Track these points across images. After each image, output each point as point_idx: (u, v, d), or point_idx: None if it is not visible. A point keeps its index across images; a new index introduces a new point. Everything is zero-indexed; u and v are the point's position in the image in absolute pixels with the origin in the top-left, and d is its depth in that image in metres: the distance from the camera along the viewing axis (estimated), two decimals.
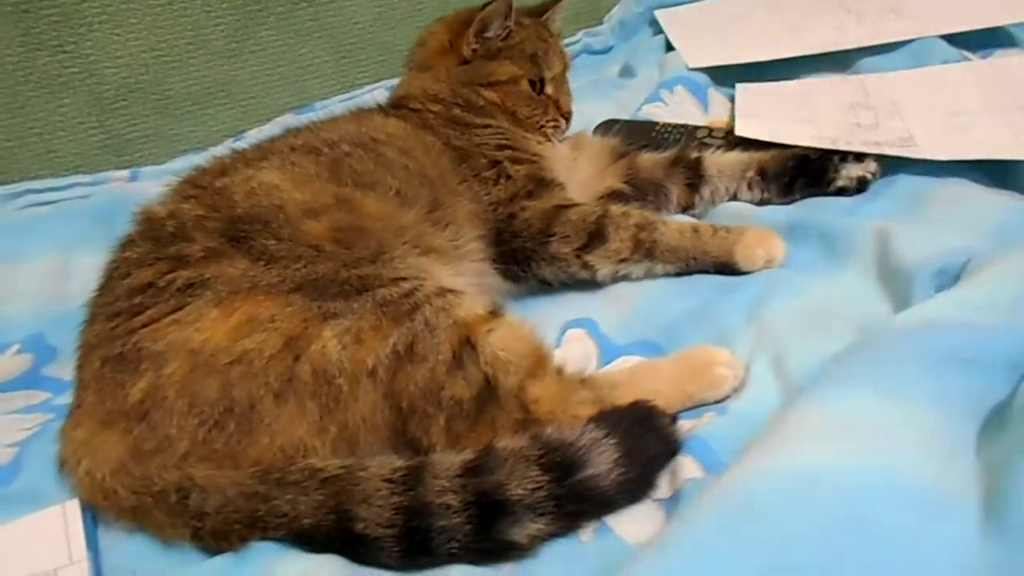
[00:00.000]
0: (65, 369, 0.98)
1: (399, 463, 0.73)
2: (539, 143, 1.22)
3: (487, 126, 1.18)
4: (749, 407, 0.81)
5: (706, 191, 1.22)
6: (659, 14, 1.89)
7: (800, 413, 0.70)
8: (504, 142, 1.16)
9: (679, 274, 1.06)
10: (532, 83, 1.24)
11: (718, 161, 1.23)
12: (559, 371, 0.85)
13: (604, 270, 1.07)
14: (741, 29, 1.76)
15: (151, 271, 0.85)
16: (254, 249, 0.85)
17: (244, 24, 1.64)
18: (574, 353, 0.97)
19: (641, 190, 1.23)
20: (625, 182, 1.23)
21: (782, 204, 1.19)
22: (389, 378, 0.79)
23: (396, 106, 1.24)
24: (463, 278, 0.98)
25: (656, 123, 1.42)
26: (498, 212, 1.10)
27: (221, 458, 0.77)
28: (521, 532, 0.69)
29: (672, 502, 0.73)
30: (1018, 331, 0.73)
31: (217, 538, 0.74)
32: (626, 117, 1.47)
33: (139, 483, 0.76)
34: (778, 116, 1.34)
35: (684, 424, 0.81)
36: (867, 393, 0.70)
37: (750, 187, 1.21)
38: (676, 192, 1.23)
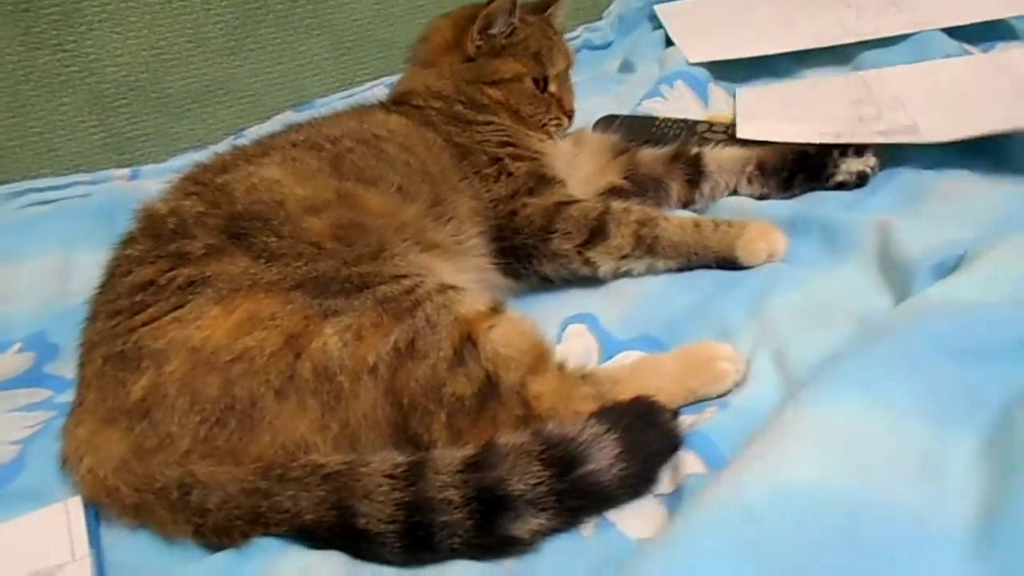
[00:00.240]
0: (67, 367, 0.98)
1: (400, 459, 0.73)
2: (540, 140, 1.22)
3: (489, 123, 1.18)
4: (751, 402, 0.81)
5: (706, 187, 1.22)
6: (659, 9, 1.89)
7: (793, 416, 0.70)
8: (505, 139, 1.16)
9: (680, 269, 1.06)
10: (536, 81, 1.23)
11: (718, 156, 1.24)
12: (560, 367, 0.85)
13: (605, 266, 1.07)
14: (741, 24, 1.75)
15: (152, 269, 0.85)
16: (255, 246, 0.85)
17: (243, 22, 1.64)
18: (575, 349, 0.97)
19: (641, 186, 1.23)
20: (625, 178, 1.23)
21: (782, 199, 1.19)
22: (390, 375, 0.79)
23: (398, 102, 1.24)
24: (464, 274, 0.98)
25: (656, 118, 1.41)
26: (499, 209, 1.10)
27: (222, 456, 0.77)
28: (522, 527, 0.69)
29: (674, 497, 0.73)
30: (1020, 307, 0.73)
31: (219, 535, 0.74)
32: (626, 112, 1.47)
33: (141, 480, 0.76)
34: (779, 116, 1.34)
35: (686, 419, 0.81)
36: (854, 399, 0.70)
37: (750, 182, 1.21)
38: (676, 188, 1.23)
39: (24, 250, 1.24)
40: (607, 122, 1.42)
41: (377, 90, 1.70)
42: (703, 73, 1.60)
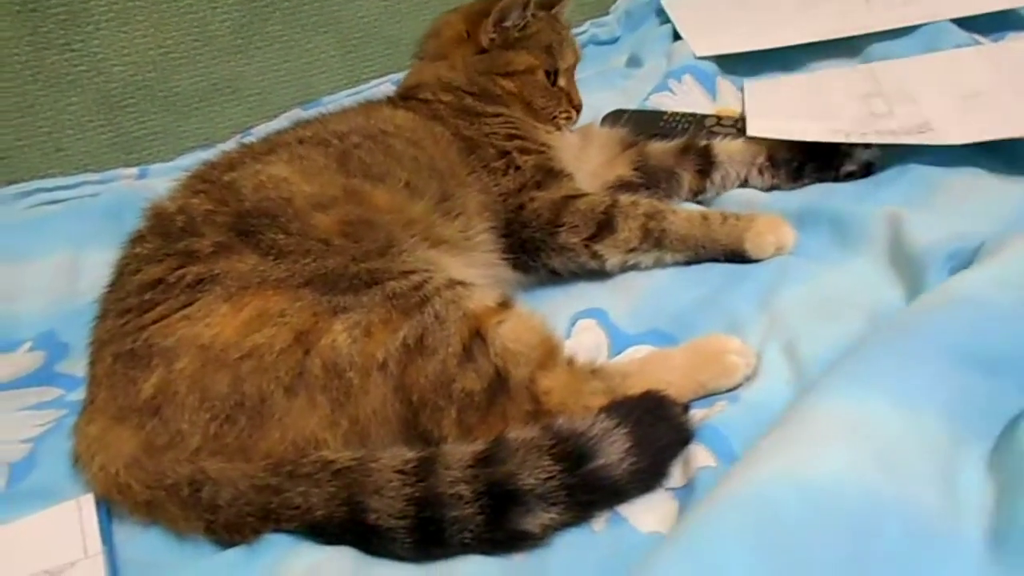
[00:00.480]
0: (77, 365, 0.98)
1: (410, 454, 0.73)
2: (548, 133, 1.22)
3: (498, 115, 1.18)
4: (761, 395, 0.81)
5: (717, 176, 1.22)
6: (666, 3, 1.88)
7: (813, 411, 0.69)
8: (514, 132, 1.16)
9: (688, 263, 1.05)
10: (547, 74, 1.24)
11: (728, 147, 1.24)
12: (570, 362, 0.84)
13: (613, 260, 1.06)
14: (749, 17, 1.75)
15: (161, 267, 0.86)
16: (263, 244, 0.85)
17: (250, 20, 1.64)
18: (584, 343, 0.97)
19: (652, 177, 1.23)
20: (635, 170, 1.23)
21: (791, 189, 1.19)
22: (399, 371, 0.79)
23: (406, 97, 1.24)
24: (473, 269, 0.98)
25: (664, 113, 1.41)
26: (507, 203, 1.10)
27: (232, 452, 0.77)
28: (533, 522, 0.69)
29: (685, 491, 0.73)
30: None
31: (230, 531, 0.74)
32: (634, 107, 1.47)
33: (152, 477, 0.77)
34: (788, 113, 1.33)
35: (696, 413, 0.81)
36: (877, 398, 0.69)
37: (760, 173, 1.21)
38: (687, 178, 1.23)
39: (33, 249, 1.25)
40: (615, 117, 1.41)
41: (384, 87, 1.70)
42: (711, 67, 1.59)
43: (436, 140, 1.11)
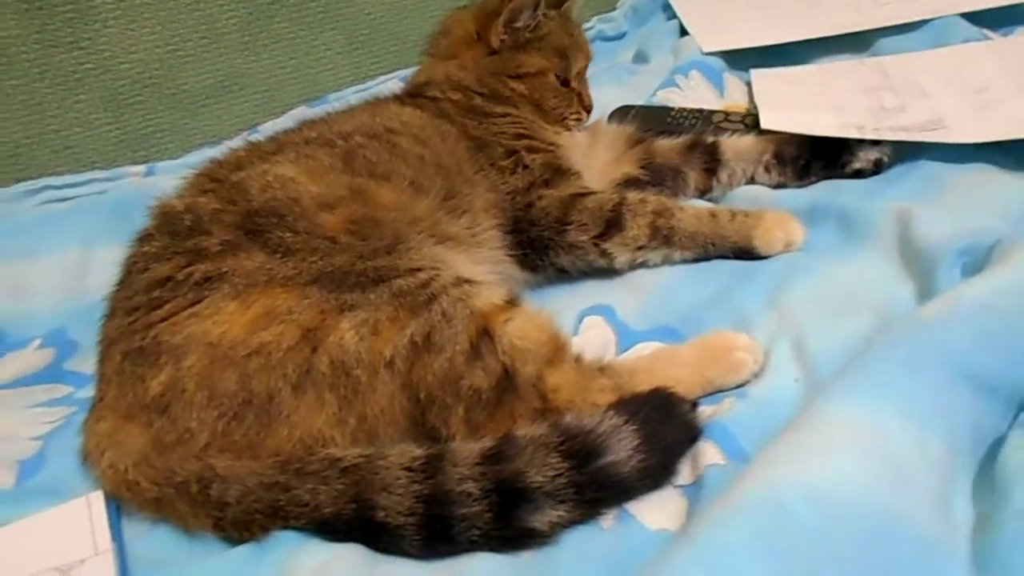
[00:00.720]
0: (87, 363, 0.99)
1: (418, 452, 0.73)
2: (556, 132, 1.21)
3: (506, 115, 1.18)
4: (770, 392, 0.81)
5: (724, 175, 1.22)
6: None
7: (824, 417, 0.69)
8: (522, 131, 1.16)
9: (697, 260, 1.05)
10: (559, 76, 1.23)
11: (735, 145, 1.23)
12: (577, 359, 0.84)
13: (622, 258, 1.06)
14: (756, 12, 1.74)
15: (169, 265, 0.86)
16: (271, 242, 0.85)
17: (256, 17, 1.64)
18: (592, 341, 0.97)
19: (658, 175, 1.22)
20: (642, 168, 1.23)
21: (798, 187, 1.18)
22: (407, 369, 0.79)
23: (413, 94, 1.24)
24: (480, 266, 0.98)
25: (671, 108, 1.41)
26: (515, 201, 1.10)
27: (240, 450, 0.77)
28: (541, 519, 0.69)
29: (694, 488, 0.73)
30: None
31: (239, 528, 0.74)
32: (641, 103, 1.46)
33: (161, 474, 0.77)
34: (800, 105, 1.33)
35: (704, 410, 0.81)
36: (888, 407, 0.68)
37: (767, 170, 1.21)
38: (694, 176, 1.23)
39: (42, 247, 1.25)
40: (622, 113, 1.41)
41: (391, 84, 1.69)
42: (718, 62, 1.59)
43: (443, 138, 1.11)
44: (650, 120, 1.35)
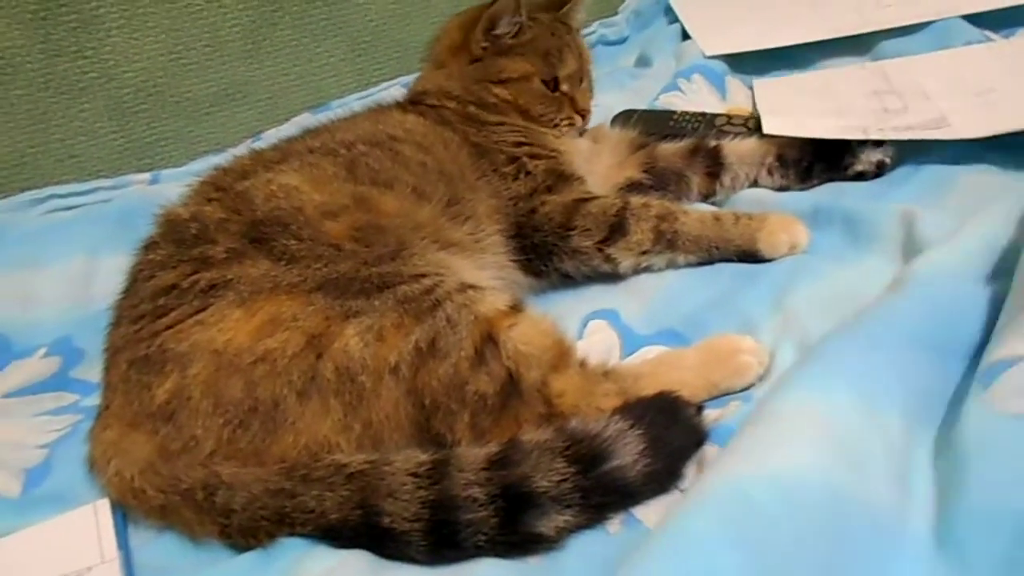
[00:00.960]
0: (93, 371, 0.99)
1: (424, 457, 0.73)
2: (556, 138, 1.21)
3: (502, 123, 1.18)
4: None
5: (726, 178, 1.22)
6: (674, 2, 1.87)
7: (786, 404, 0.70)
8: (521, 139, 1.16)
9: (701, 263, 1.05)
10: (545, 81, 1.22)
11: (737, 148, 1.23)
12: (582, 364, 0.84)
13: (626, 263, 1.06)
14: (758, 15, 1.74)
15: (174, 273, 0.86)
16: (275, 250, 0.85)
17: (259, 25, 1.65)
18: (596, 345, 0.97)
19: (661, 180, 1.22)
20: (645, 172, 1.23)
21: (801, 190, 1.18)
22: (412, 375, 0.79)
23: (414, 102, 1.24)
24: (484, 272, 0.98)
25: (674, 112, 1.41)
26: (518, 207, 1.10)
27: (246, 457, 0.77)
28: (548, 524, 0.69)
29: None
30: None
31: (245, 535, 0.74)
32: (643, 107, 1.46)
33: (167, 482, 0.77)
34: (802, 110, 1.33)
35: (710, 414, 0.81)
36: (843, 391, 0.70)
37: (770, 173, 1.21)
38: (696, 180, 1.22)
39: (48, 256, 1.25)
40: (625, 117, 1.41)
41: (394, 90, 1.69)
42: (720, 66, 1.59)
43: (446, 144, 1.11)
44: (653, 124, 1.36)
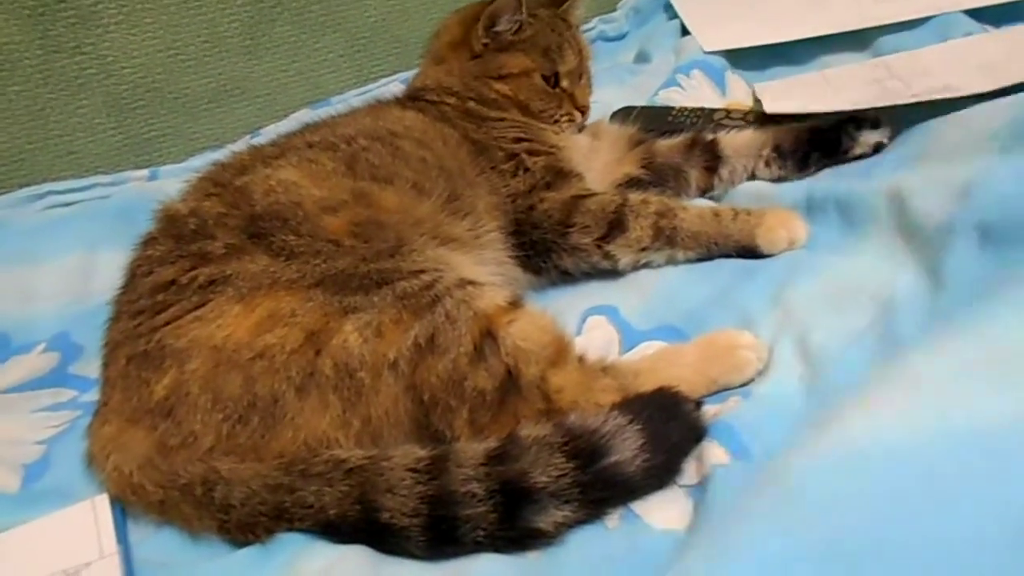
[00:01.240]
0: (91, 367, 0.99)
1: (423, 453, 0.73)
2: (555, 134, 1.21)
3: (502, 119, 1.18)
4: (774, 390, 0.81)
5: (724, 172, 1.22)
6: None
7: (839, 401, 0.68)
8: (521, 135, 1.16)
9: (700, 259, 1.05)
10: (545, 77, 1.22)
11: (734, 141, 1.23)
12: (581, 360, 0.84)
13: (625, 259, 1.06)
14: (757, 11, 1.74)
15: (173, 269, 0.86)
16: (274, 245, 0.85)
17: (258, 21, 1.65)
18: (595, 340, 0.97)
19: (660, 175, 1.22)
20: (643, 168, 1.23)
21: (799, 179, 1.18)
22: (411, 371, 0.79)
23: (414, 98, 1.24)
24: (484, 268, 0.98)
25: (672, 108, 1.41)
26: (517, 204, 1.10)
27: (245, 452, 0.77)
28: (547, 519, 0.69)
29: (699, 488, 0.73)
30: None
31: (243, 530, 0.74)
32: (643, 103, 1.46)
33: (165, 477, 0.77)
34: (803, 94, 1.32)
35: (709, 409, 0.81)
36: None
37: (767, 164, 1.20)
38: (695, 175, 1.22)
39: (47, 252, 1.26)
40: (624, 113, 1.41)
41: (392, 86, 1.70)
42: (720, 61, 1.58)
43: (445, 141, 1.11)
44: (652, 120, 1.35)
